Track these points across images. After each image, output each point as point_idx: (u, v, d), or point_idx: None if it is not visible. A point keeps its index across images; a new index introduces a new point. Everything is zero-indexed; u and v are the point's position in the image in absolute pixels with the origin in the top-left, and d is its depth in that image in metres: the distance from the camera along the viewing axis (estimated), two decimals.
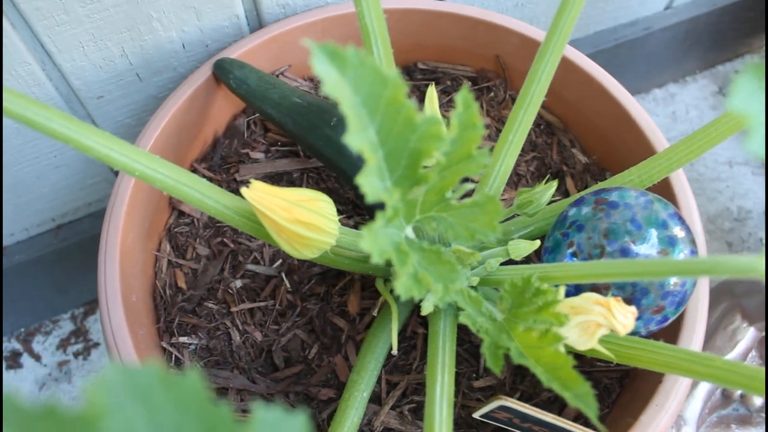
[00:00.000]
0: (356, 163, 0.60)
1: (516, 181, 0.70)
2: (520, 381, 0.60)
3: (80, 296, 0.93)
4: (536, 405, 0.59)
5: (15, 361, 0.90)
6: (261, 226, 0.46)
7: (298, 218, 0.42)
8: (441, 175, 0.33)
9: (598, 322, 0.40)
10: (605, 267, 0.39)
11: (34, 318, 0.92)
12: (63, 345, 0.91)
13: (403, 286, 0.32)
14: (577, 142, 0.72)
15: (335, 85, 0.27)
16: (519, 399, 0.60)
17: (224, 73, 0.65)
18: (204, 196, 0.45)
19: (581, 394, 0.33)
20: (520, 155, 0.71)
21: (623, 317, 0.40)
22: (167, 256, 0.64)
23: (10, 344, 0.91)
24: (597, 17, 0.95)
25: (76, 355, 0.91)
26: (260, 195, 0.41)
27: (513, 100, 0.74)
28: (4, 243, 0.81)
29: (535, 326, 0.38)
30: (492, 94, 0.74)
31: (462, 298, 0.37)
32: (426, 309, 0.47)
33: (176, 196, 0.44)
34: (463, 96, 0.31)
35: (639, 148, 0.64)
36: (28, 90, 0.66)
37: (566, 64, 0.68)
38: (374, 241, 0.31)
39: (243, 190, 0.40)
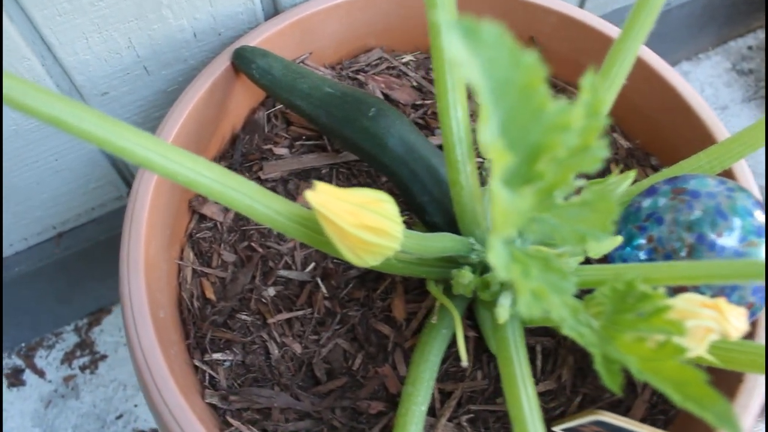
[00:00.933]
0: (399, 156, 0.55)
1: None
2: (581, 383, 0.56)
3: (83, 306, 0.87)
4: (600, 408, 0.56)
5: (17, 378, 0.84)
6: (317, 233, 0.41)
7: (365, 223, 0.38)
8: (555, 171, 0.29)
9: (709, 327, 0.36)
10: (725, 268, 0.35)
11: (36, 331, 0.86)
12: (68, 359, 0.85)
13: (526, 305, 0.27)
14: (617, 126, 0.68)
15: (466, 68, 0.22)
16: (581, 402, 0.56)
17: (245, 63, 0.60)
18: (254, 201, 0.40)
19: (722, 413, 0.29)
20: None
21: (736, 320, 0.36)
22: (191, 264, 0.59)
23: (11, 360, 0.85)
24: None
25: (82, 368, 0.85)
26: (326, 199, 0.36)
27: (550, 85, 0.70)
28: (5, 254, 0.75)
29: (645, 335, 0.34)
30: None
31: (567, 309, 0.33)
32: (502, 316, 0.43)
33: (222, 202, 0.39)
34: (590, 80, 0.27)
35: (690, 130, 0.60)
36: None
37: (605, 42, 0.64)
38: (499, 254, 0.26)
39: (308, 194, 0.35)
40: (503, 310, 0.43)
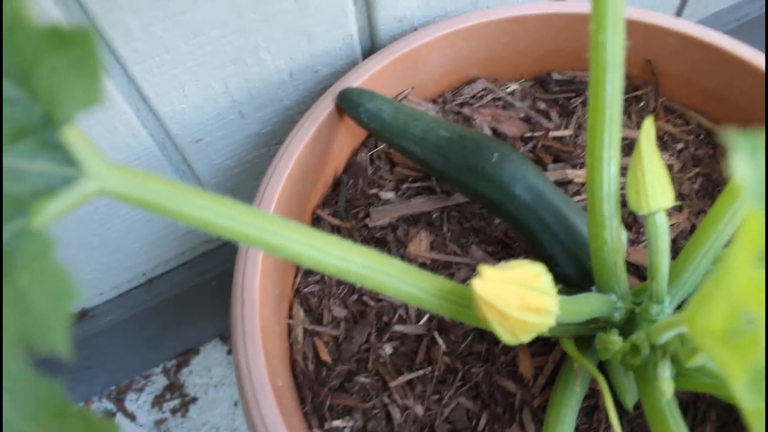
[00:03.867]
0: (527, 204, 0.51)
1: (680, 203, 0.61)
2: None
3: (172, 348, 0.85)
4: None
5: None
6: (463, 306, 0.38)
7: (530, 305, 0.34)
8: None
9: None
10: None
11: (124, 374, 0.85)
12: (158, 402, 0.83)
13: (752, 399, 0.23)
14: None
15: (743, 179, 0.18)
16: None
17: (352, 106, 0.56)
18: (401, 281, 0.36)
19: None
20: (680, 171, 0.62)
21: None
22: (302, 323, 0.56)
23: (102, 404, 0.84)
24: None
25: (173, 411, 0.83)
26: (494, 286, 0.32)
27: (665, 109, 0.64)
28: (94, 303, 0.73)
29: None
30: (642, 103, 0.64)
31: None
32: (668, 392, 0.39)
33: (370, 287, 0.36)
34: None
35: None
36: (121, 142, 0.58)
37: (725, 59, 0.59)
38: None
39: (475, 283, 0.32)
40: (668, 385, 0.39)
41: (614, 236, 0.46)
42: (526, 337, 0.37)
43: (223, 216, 0.30)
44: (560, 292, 0.43)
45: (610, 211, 0.44)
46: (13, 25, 0.21)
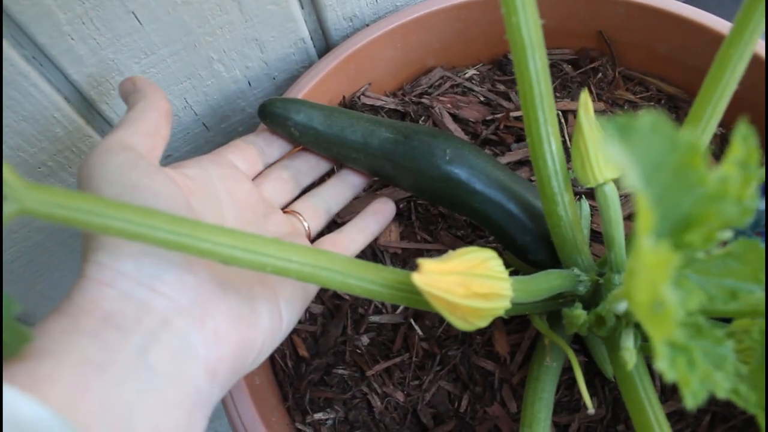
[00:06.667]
0: (490, 199, 0.50)
1: None
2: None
3: None
4: (731, 429, 0.52)
5: None
6: (418, 294, 0.39)
7: (476, 291, 0.35)
8: (705, 236, 0.25)
9: None
10: None
11: None
12: None
13: (692, 394, 0.24)
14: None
15: (620, 161, 0.19)
16: (711, 421, 0.52)
17: (279, 121, 0.52)
18: (347, 276, 0.37)
19: None
20: None
21: None
22: None
23: None
24: None
25: None
26: (434, 278, 0.33)
27: (624, 78, 0.65)
28: None
29: None
30: (599, 75, 0.65)
31: (728, 379, 0.29)
32: (631, 362, 0.40)
33: (315, 283, 0.37)
34: (743, 133, 0.23)
35: None
36: None
37: (679, 23, 0.59)
38: (663, 352, 0.23)
39: (415, 277, 0.33)
40: (630, 354, 0.39)
41: (569, 211, 0.46)
42: (481, 323, 0.38)
43: (147, 227, 0.31)
44: (529, 272, 0.44)
45: (560, 187, 0.44)
46: None
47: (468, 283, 0.34)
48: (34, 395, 0.26)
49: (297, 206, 0.54)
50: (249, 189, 0.49)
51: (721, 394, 0.29)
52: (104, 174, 0.37)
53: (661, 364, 0.23)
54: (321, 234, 0.54)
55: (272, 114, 0.52)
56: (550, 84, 0.41)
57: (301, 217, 0.52)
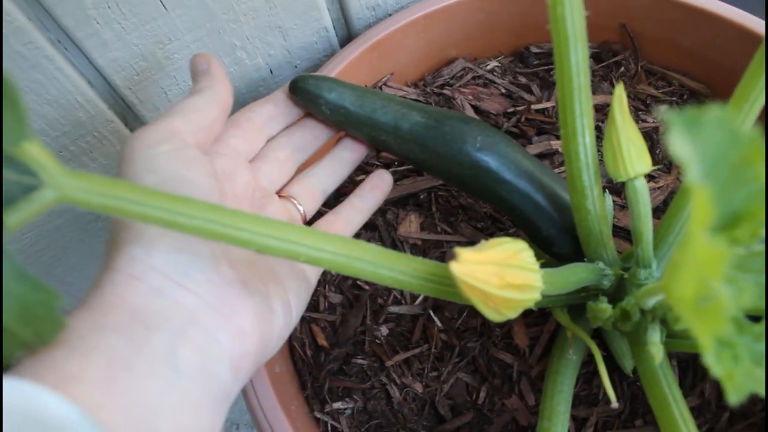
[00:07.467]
0: (519, 189, 0.50)
1: (660, 166, 0.61)
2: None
3: None
4: (750, 426, 0.52)
5: None
6: (446, 285, 0.39)
7: (510, 282, 0.34)
8: (753, 231, 0.25)
9: None
10: None
11: None
12: None
13: (736, 389, 0.24)
14: None
15: (683, 154, 0.19)
16: (729, 419, 0.52)
17: (310, 99, 0.51)
18: (378, 267, 0.37)
19: None
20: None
21: None
22: None
23: None
24: None
25: None
26: (471, 268, 0.33)
27: (646, 72, 0.65)
28: None
29: None
30: (622, 68, 0.64)
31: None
32: (658, 356, 0.40)
33: (347, 273, 0.37)
34: None
35: None
36: (113, 151, 0.59)
37: (702, 17, 0.59)
38: (709, 345, 0.23)
39: (452, 266, 0.32)
40: (657, 349, 0.39)
41: (597, 205, 0.46)
42: (512, 314, 0.38)
43: (184, 215, 0.31)
44: (551, 265, 0.44)
45: (590, 180, 0.44)
46: None
47: (503, 274, 0.34)
48: (62, 394, 0.26)
49: (293, 189, 0.52)
50: (247, 181, 0.48)
51: (761, 390, 0.29)
52: (148, 159, 0.37)
53: (709, 359, 0.23)
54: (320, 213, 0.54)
55: (304, 90, 0.52)
56: (589, 77, 0.41)
57: (296, 202, 0.52)
